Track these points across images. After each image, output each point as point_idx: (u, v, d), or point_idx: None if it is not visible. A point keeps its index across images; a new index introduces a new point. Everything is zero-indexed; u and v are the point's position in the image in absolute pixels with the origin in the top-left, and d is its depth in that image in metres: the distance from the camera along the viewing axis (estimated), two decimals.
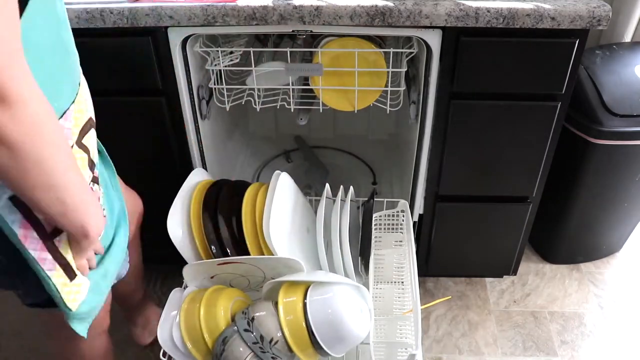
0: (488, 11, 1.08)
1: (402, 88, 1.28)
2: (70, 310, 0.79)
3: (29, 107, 0.58)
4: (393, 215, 1.41)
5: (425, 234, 1.50)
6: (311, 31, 1.16)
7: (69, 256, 0.76)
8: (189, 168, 1.38)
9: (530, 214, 1.44)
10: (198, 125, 1.34)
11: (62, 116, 0.73)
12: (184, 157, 1.37)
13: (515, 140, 1.28)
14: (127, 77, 1.22)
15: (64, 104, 0.74)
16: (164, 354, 1.08)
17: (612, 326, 1.57)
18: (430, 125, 1.28)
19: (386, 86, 1.27)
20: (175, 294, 1.19)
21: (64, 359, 1.09)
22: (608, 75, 1.42)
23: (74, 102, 0.76)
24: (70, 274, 0.76)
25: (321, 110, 1.33)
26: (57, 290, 0.75)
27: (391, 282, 1.39)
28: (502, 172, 1.35)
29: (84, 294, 0.80)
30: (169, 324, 1.09)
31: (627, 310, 1.62)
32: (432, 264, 1.58)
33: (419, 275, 1.68)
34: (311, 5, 1.09)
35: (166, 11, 1.10)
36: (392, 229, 1.43)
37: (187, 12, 1.10)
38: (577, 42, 1.12)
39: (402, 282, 1.36)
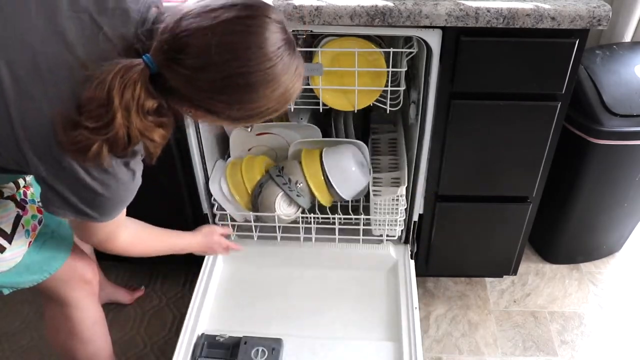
0: (488, 11, 1.08)
1: (402, 88, 1.28)
2: None
3: (124, 249, 1.02)
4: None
5: (425, 234, 1.50)
6: (311, 31, 1.16)
7: None
8: (189, 168, 1.38)
9: (530, 214, 1.44)
10: (198, 125, 1.33)
11: None
12: (184, 157, 1.37)
13: (515, 140, 1.28)
14: None
15: None
16: (218, 207, 1.45)
17: (612, 326, 1.57)
18: (430, 125, 1.27)
19: (386, 86, 1.27)
20: (220, 163, 1.51)
21: (57, 326, 1.14)
22: (608, 75, 1.42)
23: None
24: None
25: (321, 110, 1.33)
26: None
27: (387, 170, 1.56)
28: (502, 172, 1.35)
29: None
30: (218, 181, 1.43)
31: (627, 310, 1.62)
32: (432, 264, 1.58)
33: (419, 275, 1.68)
34: (311, 5, 1.09)
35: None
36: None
37: None
38: (577, 42, 1.12)
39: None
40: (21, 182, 0.99)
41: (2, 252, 0.94)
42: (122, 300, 1.62)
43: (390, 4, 1.09)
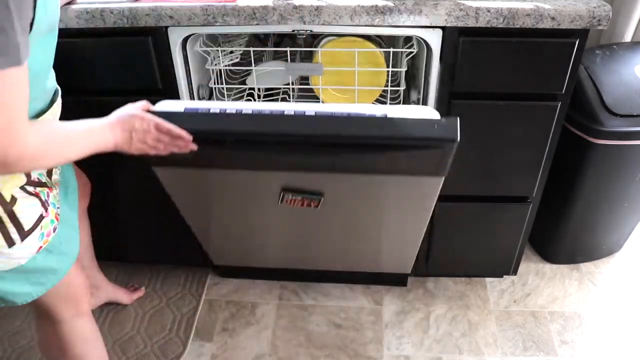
0: (488, 11, 1.08)
1: (402, 88, 1.28)
2: None
3: (33, 154, 0.77)
4: None
5: (425, 234, 1.50)
6: (311, 31, 1.16)
7: None
8: None
9: (530, 214, 1.44)
10: None
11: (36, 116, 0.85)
12: None
13: (515, 140, 1.28)
14: (127, 77, 1.22)
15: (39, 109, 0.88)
16: None
17: (612, 326, 1.57)
18: None
19: (386, 85, 1.27)
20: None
21: (48, 342, 1.12)
22: (608, 75, 1.42)
23: (49, 109, 0.89)
24: None
25: None
26: None
27: None
28: (502, 172, 1.35)
29: None
30: None
31: (627, 310, 1.62)
32: (432, 264, 1.58)
33: (419, 275, 1.68)
34: (311, 5, 1.09)
35: (166, 11, 1.10)
36: None
37: (187, 12, 1.10)
38: (577, 42, 1.12)
39: None
40: (43, 178, 0.94)
41: (9, 247, 0.87)
42: (122, 301, 1.62)
43: (390, 4, 1.09)
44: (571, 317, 1.60)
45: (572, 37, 1.12)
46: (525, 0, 1.11)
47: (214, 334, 1.55)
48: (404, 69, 1.25)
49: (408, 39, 1.29)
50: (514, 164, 1.33)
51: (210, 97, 1.36)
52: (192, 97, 1.28)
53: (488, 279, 1.72)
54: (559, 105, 1.22)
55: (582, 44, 1.14)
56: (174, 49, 1.17)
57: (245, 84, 1.33)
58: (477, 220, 1.46)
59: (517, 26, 1.09)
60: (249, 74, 1.30)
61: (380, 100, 1.30)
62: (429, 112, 1.00)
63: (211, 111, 0.99)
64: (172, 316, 1.60)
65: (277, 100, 1.35)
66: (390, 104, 1.28)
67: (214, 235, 1.46)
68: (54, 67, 0.90)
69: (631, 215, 1.66)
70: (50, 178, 0.96)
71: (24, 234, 0.88)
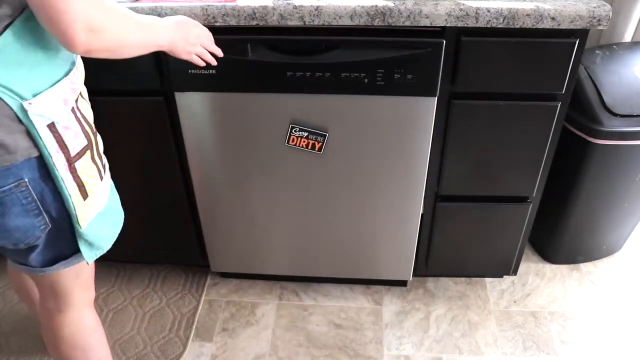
0: (488, 11, 1.08)
1: None
2: (80, 227, 0.90)
3: (108, 26, 0.77)
4: None
5: (425, 234, 1.50)
6: None
7: (83, 177, 0.88)
8: (188, 168, 1.38)
9: (530, 214, 1.44)
10: None
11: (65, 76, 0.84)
12: (183, 157, 1.37)
13: (516, 140, 1.28)
14: (127, 78, 1.22)
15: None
16: None
17: (612, 326, 1.57)
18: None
19: None
20: None
21: (58, 336, 1.11)
22: (608, 75, 1.42)
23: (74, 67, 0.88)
24: (84, 194, 0.89)
25: None
26: (73, 206, 0.87)
27: None
28: (502, 172, 1.35)
29: (92, 215, 0.92)
30: None
31: (627, 310, 1.62)
32: (432, 264, 1.58)
33: (419, 275, 1.68)
34: (311, 5, 1.09)
35: (166, 11, 1.10)
36: None
37: (187, 12, 1.10)
38: (577, 42, 1.12)
39: None
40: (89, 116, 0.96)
41: (101, 180, 0.93)
42: None
43: (390, 4, 1.09)
44: (571, 317, 1.60)
45: (572, 37, 1.12)
46: (525, 0, 1.11)
47: (214, 334, 1.55)
48: None
49: None
50: (514, 164, 1.33)
51: None
52: None
53: (488, 279, 1.72)
54: (559, 105, 1.22)
55: (582, 44, 1.14)
56: None
57: None
58: (477, 220, 1.46)
59: (517, 26, 1.09)
60: None
61: None
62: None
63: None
64: (172, 316, 1.60)
65: None
66: None
67: (216, 203, 1.46)
68: None
69: (631, 215, 1.66)
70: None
71: (104, 167, 0.96)
